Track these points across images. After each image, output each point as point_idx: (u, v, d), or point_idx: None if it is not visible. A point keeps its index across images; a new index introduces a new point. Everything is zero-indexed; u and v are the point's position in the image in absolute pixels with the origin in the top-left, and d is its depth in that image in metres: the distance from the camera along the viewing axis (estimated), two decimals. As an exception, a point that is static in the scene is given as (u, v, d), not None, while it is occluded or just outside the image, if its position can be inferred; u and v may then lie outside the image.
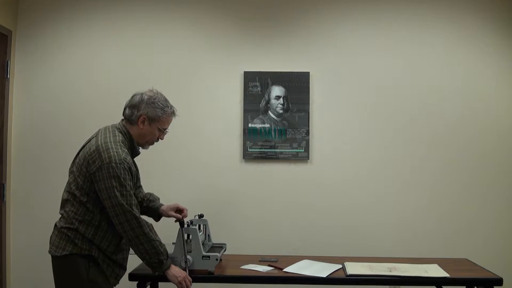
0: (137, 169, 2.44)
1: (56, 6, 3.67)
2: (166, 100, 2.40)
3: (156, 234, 2.29)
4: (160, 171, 3.58)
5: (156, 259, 2.27)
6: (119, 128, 2.34)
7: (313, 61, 3.62)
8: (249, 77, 3.60)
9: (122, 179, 2.18)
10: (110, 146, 2.21)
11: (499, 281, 2.48)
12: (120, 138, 2.29)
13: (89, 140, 2.32)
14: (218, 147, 3.61)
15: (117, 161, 2.17)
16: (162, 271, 2.32)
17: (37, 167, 3.61)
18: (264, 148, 3.59)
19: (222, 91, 3.63)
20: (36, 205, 3.57)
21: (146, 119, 2.34)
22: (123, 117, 2.40)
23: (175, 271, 2.35)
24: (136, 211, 2.21)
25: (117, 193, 2.16)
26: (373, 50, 3.61)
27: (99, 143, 2.23)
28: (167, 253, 2.32)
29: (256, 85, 3.60)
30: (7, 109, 3.56)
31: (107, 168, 2.16)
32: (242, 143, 3.60)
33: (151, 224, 2.30)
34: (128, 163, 2.23)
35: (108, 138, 2.26)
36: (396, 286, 2.59)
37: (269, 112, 3.59)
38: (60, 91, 3.64)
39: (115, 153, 2.19)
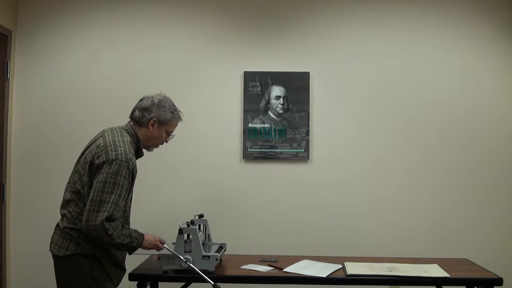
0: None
1: (56, 6, 3.67)
2: (174, 104, 2.46)
3: (120, 234, 2.17)
4: (160, 171, 3.58)
5: (126, 248, 2.27)
6: (126, 130, 2.37)
7: (313, 61, 3.62)
8: (249, 77, 3.60)
9: (121, 178, 2.17)
10: (118, 145, 2.23)
11: (499, 281, 2.48)
12: (128, 139, 2.31)
13: (94, 141, 2.33)
14: (218, 147, 3.61)
15: (123, 159, 2.19)
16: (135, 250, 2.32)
17: (37, 167, 3.61)
18: (264, 148, 3.59)
19: (222, 91, 3.63)
20: (36, 205, 3.57)
21: (156, 122, 2.38)
22: (130, 119, 2.42)
23: (146, 243, 2.33)
24: (111, 220, 2.12)
25: (107, 190, 2.13)
26: (373, 50, 3.61)
27: (107, 141, 2.24)
28: (134, 236, 2.25)
29: (256, 85, 3.60)
30: (7, 109, 3.56)
31: (110, 164, 2.16)
32: (242, 143, 3.60)
33: (117, 225, 2.16)
34: (132, 164, 2.24)
35: (116, 137, 2.28)
36: (396, 286, 2.59)
37: (269, 112, 3.59)
38: (60, 91, 3.64)
39: (123, 152, 2.21)
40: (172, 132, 2.48)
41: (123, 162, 2.18)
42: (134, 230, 2.29)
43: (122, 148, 2.22)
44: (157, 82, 3.54)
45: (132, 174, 2.26)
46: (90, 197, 2.15)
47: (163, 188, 3.59)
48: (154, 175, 3.56)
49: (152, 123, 2.37)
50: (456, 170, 3.56)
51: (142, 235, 2.32)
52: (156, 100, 2.39)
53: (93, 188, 2.15)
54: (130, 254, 2.36)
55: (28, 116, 3.64)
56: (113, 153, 2.19)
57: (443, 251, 3.35)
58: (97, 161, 2.19)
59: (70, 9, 3.67)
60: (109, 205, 2.13)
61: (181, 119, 2.48)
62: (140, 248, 2.33)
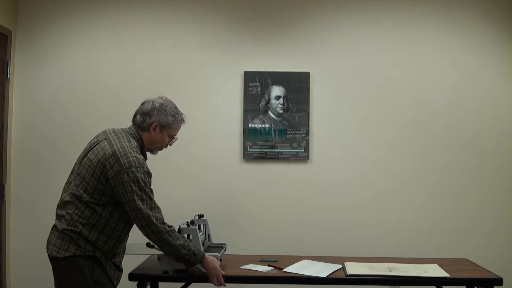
0: None
1: (56, 6, 3.67)
2: (176, 107, 2.44)
3: (177, 237, 2.28)
4: (160, 171, 3.56)
5: (182, 260, 2.32)
6: (131, 134, 2.35)
7: (313, 61, 3.62)
8: (249, 77, 3.60)
9: (142, 183, 2.19)
10: (128, 151, 2.22)
11: (499, 281, 2.48)
12: (135, 144, 2.30)
13: (97, 142, 2.30)
14: (218, 147, 3.61)
15: (137, 165, 2.19)
16: (193, 266, 2.37)
17: (37, 167, 3.61)
18: (264, 148, 3.59)
19: (222, 91, 3.63)
20: (36, 205, 3.57)
21: (157, 126, 2.37)
22: (132, 123, 2.41)
23: (208, 266, 2.39)
24: (155, 216, 2.21)
25: (136, 198, 2.17)
26: (373, 50, 3.61)
27: (115, 148, 2.22)
28: (192, 251, 2.31)
29: (256, 85, 3.60)
30: (7, 109, 3.56)
31: (126, 173, 2.16)
32: (242, 143, 3.60)
33: (172, 227, 2.30)
34: (146, 167, 2.26)
35: (124, 143, 2.26)
36: (396, 286, 2.59)
37: (269, 112, 3.59)
38: (60, 91, 3.64)
39: (134, 158, 2.20)
40: (175, 135, 2.46)
41: (138, 168, 2.19)
42: (193, 244, 2.37)
43: (133, 155, 2.21)
44: (157, 82, 3.54)
45: (149, 176, 2.28)
46: (128, 209, 2.20)
47: (163, 188, 3.58)
48: (154, 175, 3.53)
49: (154, 127, 2.36)
50: (456, 170, 3.56)
51: (203, 254, 2.38)
52: (157, 104, 2.37)
53: (124, 200, 2.18)
54: (186, 267, 2.40)
55: (28, 116, 3.64)
56: (125, 161, 2.18)
57: (443, 251, 3.35)
58: (111, 172, 2.18)
59: (70, 9, 3.67)
60: (151, 208, 2.20)
61: (184, 121, 2.47)
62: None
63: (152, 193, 2.27)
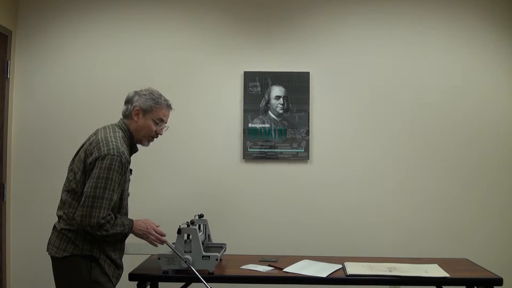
0: (130, 170, 2.44)
1: (56, 6, 3.67)
2: (160, 94, 2.44)
3: (113, 225, 2.19)
4: (160, 171, 3.58)
5: (119, 237, 2.26)
6: (119, 125, 2.39)
7: (313, 61, 3.62)
8: (249, 77, 3.60)
9: (113, 172, 2.17)
10: (110, 140, 2.24)
11: (499, 281, 2.48)
12: (121, 134, 2.32)
13: (89, 139, 2.34)
14: (218, 147, 3.61)
15: (115, 153, 2.19)
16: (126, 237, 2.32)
17: (37, 167, 3.61)
18: (264, 148, 3.59)
19: (222, 91, 3.63)
20: (36, 205, 3.57)
21: (140, 111, 2.37)
22: (122, 116, 2.43)
23: (136, 229, 2.32)
24: (103, 214, 2.13)
25: (100, 185, 2.14)
26: (373, 50, 3.61)
27: (99, 138, 2.26)
28: (126, 223, 2.26)
29: (256, 85, 3.60)
30: (7, 109, 3.56)
31: (102, 159, 2.17)
32: (242, 143, 3.60)
33: (107, 218, 2.17)
34: (125, 158, 2.24)
35: (108, 133, 2.29)
36: (396, 286, 2.59)
37: (269, 112, 3.59)
38: (60, 91, 3.64)
39: (114, 146, 2.21)
40: (161, 120, 2.42)
41: (115, 157, 2.18)
42: (125, 217, 2.31)
43: (114, 143, 2.22)
44: (157, 82, 3.51)
45: (124, 167, 2.25)
46: (84, 193, 2.15)
47: (163, 188, 3.59)
48: (154, 175, 3.56)
49: (136, 112, 2.37)
50: (456, 170, 3.56)
51: (131, 221, 2.31)
52: (138, 90, 2.41)
53: (87, 184, 2.16)
54: (122, 241, 2.36)
55: (28, 116, 3.64)
56: (105, 148, 2.20)
57: (443, 251, 3.35)
58: (90, 158, 2.20)
59: (70, 9, 3.67)
60: (104, 201, 2.14)
61: (170, 107, 2.46)
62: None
63: (119, 186, 2.22)
